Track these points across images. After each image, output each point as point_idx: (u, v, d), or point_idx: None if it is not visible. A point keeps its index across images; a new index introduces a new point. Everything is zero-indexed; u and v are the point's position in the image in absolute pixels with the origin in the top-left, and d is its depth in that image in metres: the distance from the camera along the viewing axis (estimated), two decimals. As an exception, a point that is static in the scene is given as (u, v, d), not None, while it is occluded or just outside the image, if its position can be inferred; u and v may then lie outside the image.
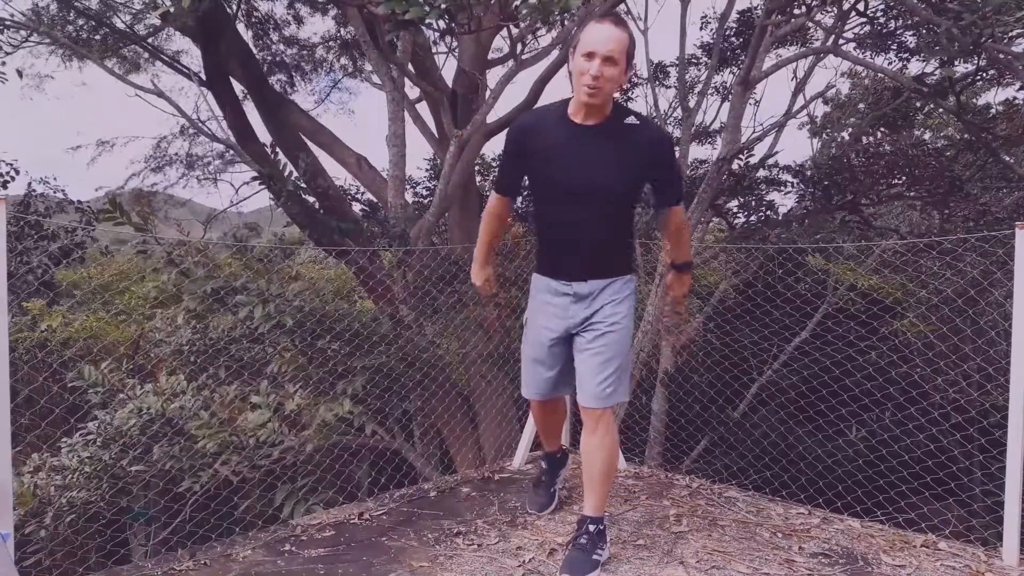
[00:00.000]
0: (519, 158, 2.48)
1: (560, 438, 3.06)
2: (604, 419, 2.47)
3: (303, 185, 6.10)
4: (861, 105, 9.52)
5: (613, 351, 2.43)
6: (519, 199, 9.51)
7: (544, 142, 2.38)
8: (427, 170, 9.51)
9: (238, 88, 7.42)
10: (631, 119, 2.34)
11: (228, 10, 7.16)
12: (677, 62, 9.31)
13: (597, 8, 5.78)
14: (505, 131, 6.34)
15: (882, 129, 9.04)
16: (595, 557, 2.43)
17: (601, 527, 2.50)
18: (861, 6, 6.20)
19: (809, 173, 7.78)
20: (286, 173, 5.84)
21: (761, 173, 7.83)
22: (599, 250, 2.44)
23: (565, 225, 2.44)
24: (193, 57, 8.89)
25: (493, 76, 7.54)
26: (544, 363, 2.60)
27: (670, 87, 10.32)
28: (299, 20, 9.44)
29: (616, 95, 2.37)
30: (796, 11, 6.62)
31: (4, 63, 6.72)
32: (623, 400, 2.54)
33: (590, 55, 2.19)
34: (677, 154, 10.21)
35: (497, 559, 2.59)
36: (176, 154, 10.69)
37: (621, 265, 2.50)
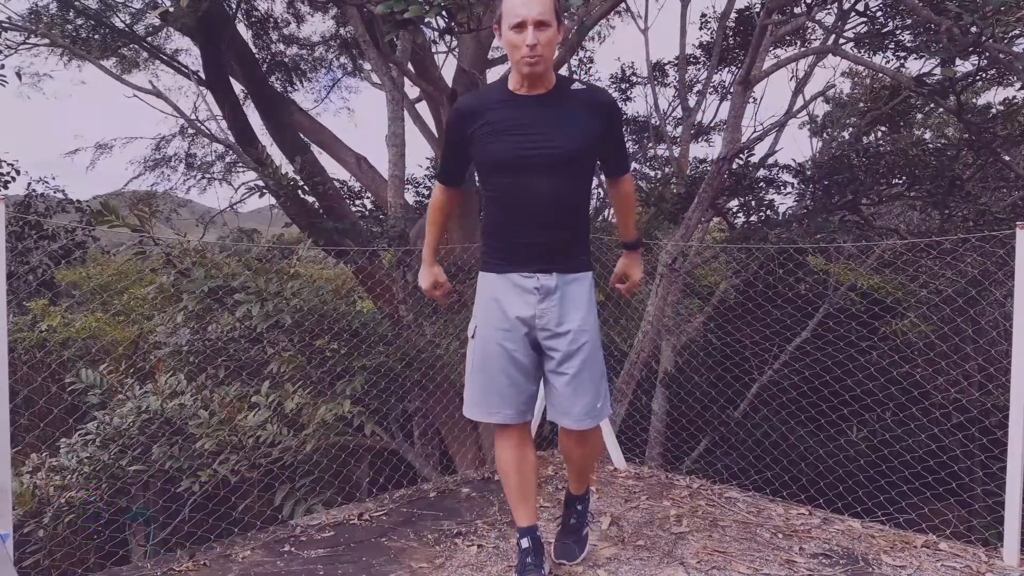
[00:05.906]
0: (462, 142, 2.27)
1: (536, 500, 2.46)
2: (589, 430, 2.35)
3: (302, 184, 6.09)
4: (861, 104, 9.53)
5: (591, 369, 2.25)
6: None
7: (490, 120, 2.20)
8: (427, 170, 9.51)
9: (238, 88, 7.42)
10: (577, 85, 2.24)
11: (227, 9, 7.16)
12: (677, 61, 9.32)
13: (596, 8, 5.77)
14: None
15: (882, 128, 9.04)
16: (584, 532, 2.61)
17: (586, 500, 2.62)
18: (861, 6, 6.20)
19: (809, 173, 7.78)
20: (284, 172, 5.84)
21: (761, 173, 7.82)
22: (562, 229, 2.24)
23: (527, 201, 2.21)
24: (192, 56, 8.89)
25: (493, 75, 7.54)
26: (511, 372, 2.27)
27: (669, 86, 10.33)
28: (299, 19, 9.44)
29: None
30: (796, 10, 6.61)
31: (3, 65, 6.72)
32: (609, 414, 2.35)
33: (520, 25, 2.05)
34: (677, 153, 10.22)
35: (497, 559, 2.58)
36: (176, 155, 10.68)
37: (581, 255, 2.30)
